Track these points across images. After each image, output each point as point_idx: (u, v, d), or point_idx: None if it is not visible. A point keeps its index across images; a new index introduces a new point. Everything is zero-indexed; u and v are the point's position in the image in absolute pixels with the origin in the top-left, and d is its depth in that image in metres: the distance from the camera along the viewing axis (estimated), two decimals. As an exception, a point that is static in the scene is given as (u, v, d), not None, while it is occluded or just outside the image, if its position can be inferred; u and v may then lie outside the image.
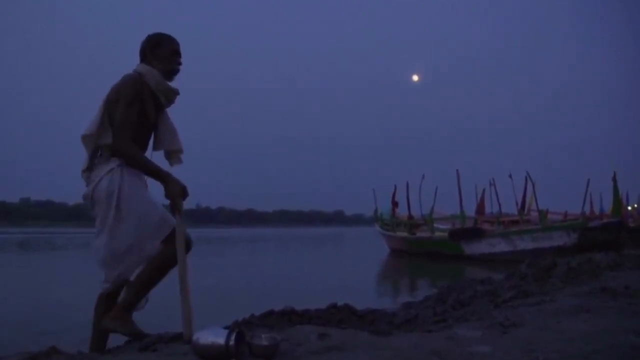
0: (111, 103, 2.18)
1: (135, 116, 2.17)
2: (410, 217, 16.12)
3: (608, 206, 16.05)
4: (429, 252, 13.54)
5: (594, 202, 17.55)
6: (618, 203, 12.97)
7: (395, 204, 16.77)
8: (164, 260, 2.13)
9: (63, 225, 71.33)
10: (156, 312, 4.40)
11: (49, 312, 4.69)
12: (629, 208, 22.10)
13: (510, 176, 14.63)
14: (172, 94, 2.34)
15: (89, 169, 2.21)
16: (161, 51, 2.31)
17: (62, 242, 23.63)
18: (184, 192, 2.20)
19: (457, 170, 14.33)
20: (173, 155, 2.41)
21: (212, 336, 1.65)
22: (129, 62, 2.37)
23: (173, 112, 2.41)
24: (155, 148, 2.39)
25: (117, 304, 2.14)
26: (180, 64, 2.37)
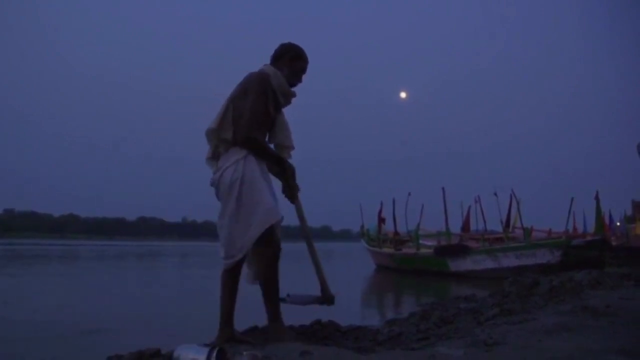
0: (235, 99, 2.42)
1: (264, 107, 2.41)
2: (397, 233, 16.16)
3: (591, 224, 16.23)
4: (414, 268, 13.55)
5: (577, 220, 17.76)
6: (600, 222, 13.15)
7: (382, 219, 16.82)
8: (269, 259, 2.39)
9: (48, 237, 70.15)
10: (136, 329, 4.35)
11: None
12: (618, 224, 22.43)
13: (495, 194, 14.77)
14: (291, 96, 2.59)
15: (214, 157, 2.49)
16: (296, 64, 2.58)
17: (61, 253, 23.24)
18: (297, 189, 2.53)
19: (442, 188, 14.44)
20: (285, 150, 2.63)
21: (193, 353, 1.64)
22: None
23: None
24: (269, 141, 2.60)
25: (270, 321, 2.45)
26: (300, 81, 2.63)
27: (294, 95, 2.60)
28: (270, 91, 2.45)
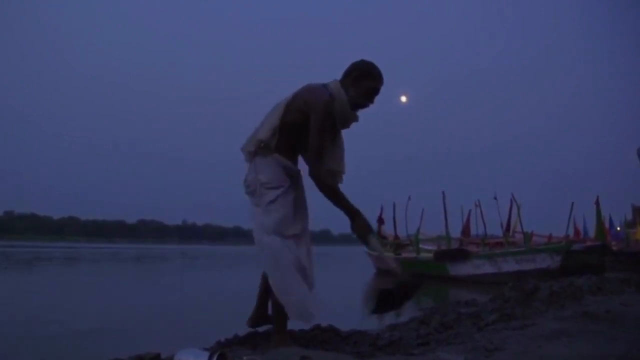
0: (294, 111, 2.32)
1: (326, 142, 2.32)
2: (397, 237, 16.14)
3: (592, 229, 16.24)
4: (414, 272, 13.53)
5: (578, 225, 17.75)
6: (601, 227, 13.15)
7: (380, 221, 16.75)
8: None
9: (47, 240, 70.07)
10: (135, 332, 4.35)
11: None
12: (618, 228, 22.38)
13: (495, 198, 14.77)
14: (351, 121, 2.41)
15: (251, 155, 2.42)
16: (364, 83, 2.34)
17: (76, 255, 23.22)
18: (370, 230, 2.35)
19: (442, 192, 14.44)
20: (336, 174, 2.47)
21: (193, 357, 1.64)
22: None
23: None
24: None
25: (275, 333, 2.42)
26: (372, 102, 2.41)
27: (355, 120, 2.43)
28: (332, 119, 2.32)
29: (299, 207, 2.46)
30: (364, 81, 2.34)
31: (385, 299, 2.31)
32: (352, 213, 2.30)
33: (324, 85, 2.36)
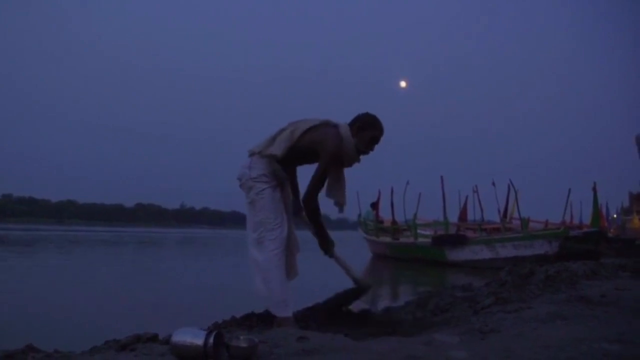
0: (307, 142, 2.64)
1: (326, 177, 2.68)
2: (394, 222, 16.19)
3: (587, 216, 16.30)
4: (411, 257, 13.60)
5: (574, 211, 17.83)
6: (597, 213, 13.20)
7: (374, 206, 16.65)
8: None
9: (45, 223, 70.15)
10: (134, 312, 4.37)
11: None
12: (614, 215, 22.50)
13: (493, 184, 14.80)
14: (354, 162, 2.73)
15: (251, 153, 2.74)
16: (364, 134, 2.67)
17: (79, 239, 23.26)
18: (332, 245, 2.90)
19: (441, 177, 14.47)
20: (341, 204, 2.82)
21: (191, 337, 1.65)
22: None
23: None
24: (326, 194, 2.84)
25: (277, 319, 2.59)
26: (372, 150, 2.74)
27: (357, 161, 2.74)
28: (338, 160, 2.66)
29: (284, 205, 2.77)
30: (366, 131, 2.67)
31: (342, 298, 3.05)
32: (324, 236, 2.86)
33: (336, 126, 2.68)
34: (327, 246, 2.90)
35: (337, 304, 3.06)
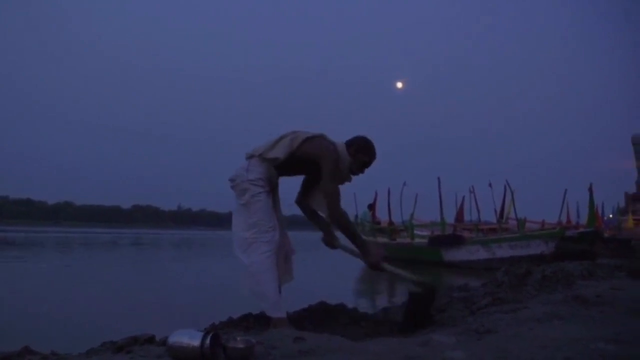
0: (307, 150, 2.69)
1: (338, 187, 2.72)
2: (391, 223, 16.19)
3: (584, 216, 16.35)
4: (408, 258, 13.62)
5: (570, 212, 17.88)
6: (593, 214, 13.24)
7: (372, 206, 16.62)
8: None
9: (42, 224, 69.92)
10: (132, 313, 4.37)
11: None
12: (610, 216, 22.57)
13: (489, 184, 14.83)
14: (345, 180, 2.81)
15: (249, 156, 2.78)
16: (359, 156, 2.78)
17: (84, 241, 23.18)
18: (382, 258, 2.79)
19: (438, 178, 14.48)
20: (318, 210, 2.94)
21: (187, 338, 1.65)
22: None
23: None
24: (304, 197, 2.98)
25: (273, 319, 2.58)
26: (363, 173, 2.86)
27: (349, 180, 2.84)
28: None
29: (275, 210, 2.82)
30: (360, 154, 2.79)
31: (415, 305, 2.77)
32: (364, 247, 2.77)
33: (333, 143, 2.74)
34: (373, 258, 2.78)
35: (422, 314, 2.73)
